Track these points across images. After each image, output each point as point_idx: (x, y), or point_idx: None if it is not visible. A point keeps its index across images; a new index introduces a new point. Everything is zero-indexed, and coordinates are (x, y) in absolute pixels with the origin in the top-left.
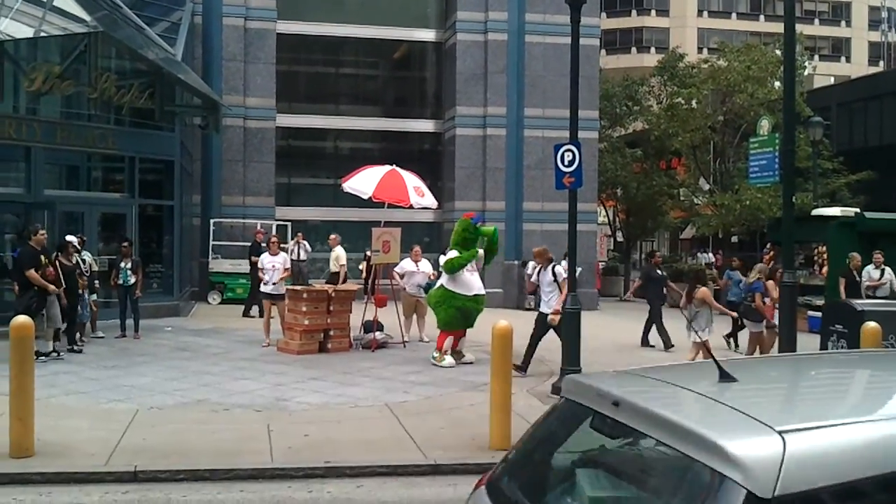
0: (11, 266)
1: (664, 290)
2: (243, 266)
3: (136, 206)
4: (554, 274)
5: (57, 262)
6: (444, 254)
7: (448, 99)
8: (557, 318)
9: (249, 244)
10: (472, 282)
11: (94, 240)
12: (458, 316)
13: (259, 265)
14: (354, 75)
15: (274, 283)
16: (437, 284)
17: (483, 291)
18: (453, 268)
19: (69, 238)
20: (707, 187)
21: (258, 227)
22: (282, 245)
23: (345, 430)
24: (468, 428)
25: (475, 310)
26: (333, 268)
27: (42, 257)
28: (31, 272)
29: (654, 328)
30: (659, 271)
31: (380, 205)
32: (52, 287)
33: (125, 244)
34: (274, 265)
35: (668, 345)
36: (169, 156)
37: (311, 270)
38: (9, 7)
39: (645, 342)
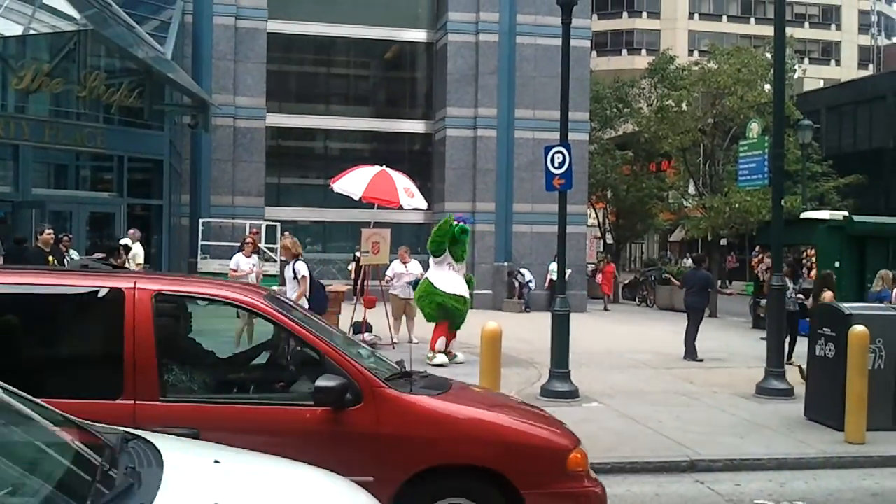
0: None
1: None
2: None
3: (125, 206)
4: (294, 270)
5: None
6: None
7: (439, 100)
8: None
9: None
10: (454, 280)
11: (83, 239)
12: (439, 311)
13: (233, 266)
14: (345, 75)
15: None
16: (423, 279)
17: (465, 293)
18: (435, 248)
19: (124, 241)
20: (693, 191)
21: (253, 229)
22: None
23: None
24: None
25: (456, 309)
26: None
27: (50, 258)
28: None
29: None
30: None
31: (369, 205)
32: None
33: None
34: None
35: (694, 356)
36: (158, 155)
37: None
38: None
39: (692, 355)
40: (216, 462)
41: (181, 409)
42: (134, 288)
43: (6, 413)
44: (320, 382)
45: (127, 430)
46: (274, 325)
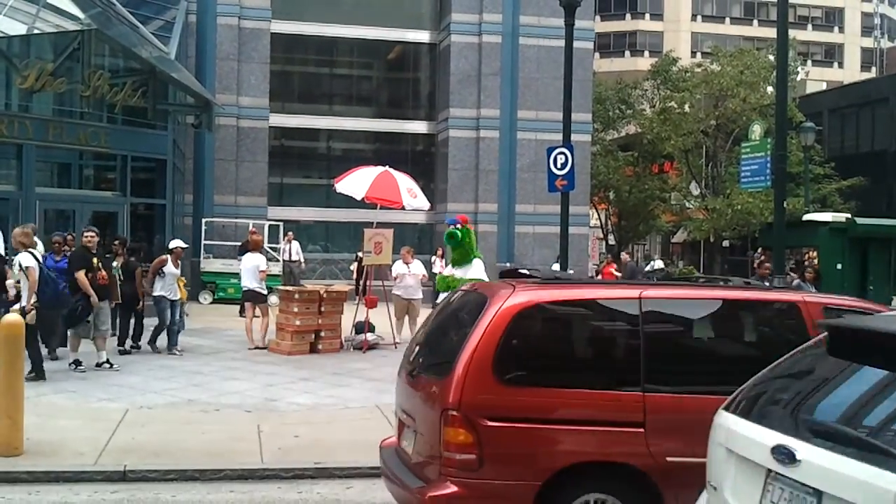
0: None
1: None
2: (234, 266)
3: (128, 205)
4: (19, 263)
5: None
6: (439, 256)
7: (441, 100)
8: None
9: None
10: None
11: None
12: None
13: (262, 268)
14: (348, 76)
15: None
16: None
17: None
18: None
19: (178, 243)
20: (697, 192)
21: (251, 228)
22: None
23: (335, 431)
24: None
25: None
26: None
27: (95, 260)
28: (80, 274)
29: None
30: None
31: (372, 206)
32: (94, 297)
33: (116, 243)
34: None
35: None
36: (161, 154)
37: (304, 271)
38: (3, 4)
39: None
40: None
41: None
42: (804, 301)
43: None
44: None
45: None
46: None
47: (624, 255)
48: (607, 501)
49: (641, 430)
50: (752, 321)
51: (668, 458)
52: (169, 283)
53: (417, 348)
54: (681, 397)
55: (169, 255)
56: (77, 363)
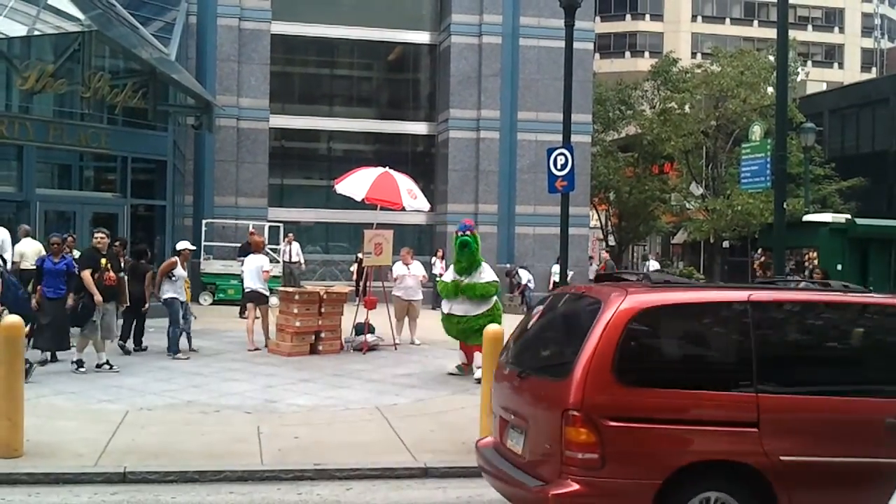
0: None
1: None
2: (234, 267)
3: (129, 206)
4: None
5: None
6: (439, 257)
7: (442, 101)
8: None
9: (240, 245)
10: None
11: (86, 239)
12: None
13: (266, 269)
14: (348, 77)
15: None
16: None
17: (450, 310)
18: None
19: (185, 245)
20: (699, 192)
21: (251, 230)
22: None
23: (335, 433)
24: (459, 431)
25: (446, 328)
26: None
27: (103, 261)
28: (86, 273)
29: None
30: None
31: (372, 207)
32: (97, 297)
33: (116, 244)
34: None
35: None
36: (161, 156)
37: (304, 272)
38: (3, 5)
39: None
40: None
41: None
42: None
43: None
44: None
45: None
46: None
47: (604, 254)
48: (724, 500)
49: (755, 429)
50: (854, 323)
51: (782, 458)
52: (179, 285)
53: (522, 349)
54: (792, 398)
55: (177, 257)
56: (79, 363)
